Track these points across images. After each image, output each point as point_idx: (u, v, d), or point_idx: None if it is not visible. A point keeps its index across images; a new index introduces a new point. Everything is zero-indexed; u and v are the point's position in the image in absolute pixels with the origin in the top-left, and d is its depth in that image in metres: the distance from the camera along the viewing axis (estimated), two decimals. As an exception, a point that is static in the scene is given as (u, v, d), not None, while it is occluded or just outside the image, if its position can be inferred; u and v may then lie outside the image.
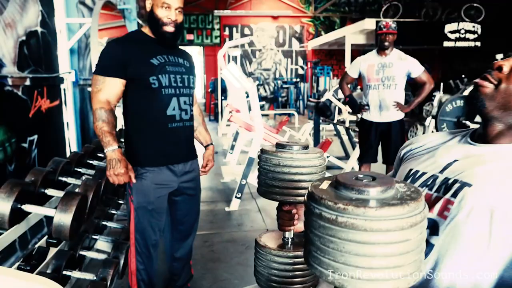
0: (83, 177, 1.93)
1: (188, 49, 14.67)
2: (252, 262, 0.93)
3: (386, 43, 2.95)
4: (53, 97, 3.24)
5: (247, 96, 4.60)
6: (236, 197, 3.46)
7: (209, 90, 12.38)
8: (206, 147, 1.95)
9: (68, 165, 1.74)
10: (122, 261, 1.78)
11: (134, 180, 1.61)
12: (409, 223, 0.52)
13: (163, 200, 1.71)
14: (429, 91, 2.99)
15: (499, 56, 2.93)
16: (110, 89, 1.58)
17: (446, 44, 9.47)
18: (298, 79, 13.41)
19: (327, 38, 12.16)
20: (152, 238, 1.72)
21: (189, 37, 13.33)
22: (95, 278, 1.55)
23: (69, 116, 3.49)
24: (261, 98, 13.23)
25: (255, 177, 3.48)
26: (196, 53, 14.84)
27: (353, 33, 10.16)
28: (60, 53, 3.38)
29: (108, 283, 1.56)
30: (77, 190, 1.64)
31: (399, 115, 3.05)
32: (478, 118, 3.24)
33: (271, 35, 14.03)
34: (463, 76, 9.20)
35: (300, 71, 14.17)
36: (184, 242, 1.92)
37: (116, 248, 1.80)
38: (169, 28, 1.62)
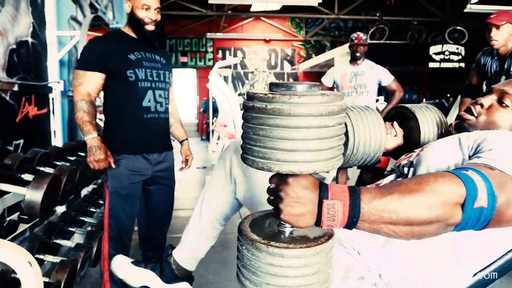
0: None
1: (181, 71, 15.00)
2: (229, 260, 1.01)
3: (358, 54, 3.14)
4: (41, 105, 3.36)
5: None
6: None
7: (201, 110, 12.56)
8: (181, 142, 2.07)
9: (46, 156, 1.84)
10: (95, 249, 1.85)
11: (113, 166, 1.72)
12: (328, 110, 0.61)
13: (136, 187, 1.81)
14: (399, 99, 3.15)
15: (484, 87, 3.16)
16: (90, 82, 1.72)
17: (432, 65, 9.77)
18: (290, 100, 13.63)
19: (317, 60, 12.48)
20: (125, 223, 1.80)
21: (183, 59, 13.64)
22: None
23: (56, 124, 3.60)
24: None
25: None
26: (190, 75, 15.13)
27: (342, 55, 10.45)
28: (49, 64, 3.53)
29: (79, 266, 1.63)
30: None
31: (372, 121, 3.19)
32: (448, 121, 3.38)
33: (263, 58, 14.38)
34: (448, 95, 9.46)
35: (292, 93, 14.43)
36: (158, 231, 2.00)
37: (89, 236, 1.88)
38: (150, 27, 1.78)
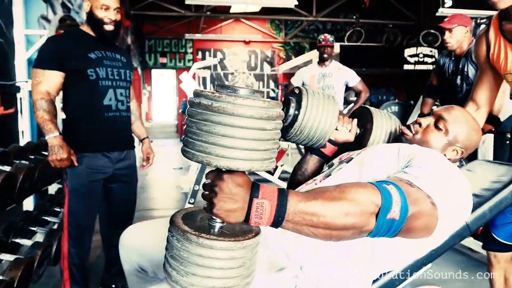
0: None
1: (161, 72, 14.89)
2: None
3: (325, 55, 3.21)
4: (8, 104, 3.31)
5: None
6: (189, 202, 3.55)
7: (180, 111, 12.50)
8: (142, 140, 2.09)
9: (4, 155, 1.83)
10: (55, 248, 1.85)
11: (76, 164, 1.72)
12: (267, 114, 0.67)
13: (96, 185, 1.82)
14: (365, 99, 3.24)
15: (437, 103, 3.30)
16: (49, 81, 1.71)
17: (406, 67, 9.99)
18: (270, 101, 13.72)
19: (296, 61, 12.60)
20: (85, 222, 1.81)
21: (162, 60, 13.56)
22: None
23: (24, 124, 3.54)
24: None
25: None
26: (170, 76, 15.03)
27: (320, 57, 10.59)
28: (17, 63, 3.48)
29: (36, 264, 1.63)
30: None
31: (340, 121, 3.28)
32: (410, 122, 3.49)
33: (243, 59, 14.42)
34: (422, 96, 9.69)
35: (272, 94, 14.53)
36: (120, 230, 2.00)
37: (50, 235, 1.88)
38: (109, 27, 1.78)
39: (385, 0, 10.20)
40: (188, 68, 13.23)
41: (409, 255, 0.97)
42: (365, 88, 3.24)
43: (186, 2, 7.22)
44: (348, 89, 3.31)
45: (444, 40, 2.56)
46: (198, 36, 12.96)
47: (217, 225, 0.73)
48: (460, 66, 2.55)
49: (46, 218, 2.18)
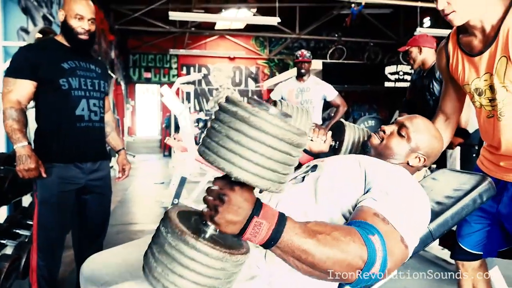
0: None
1: (146, 87, 14.88)
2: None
3: (303, 70, 3.28)
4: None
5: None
6: (168, 216, 3.52)
7: (164, 126, 12.46)
8: (118, 152, 2.07)
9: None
10: (23, 260, 1.80)
11: (44, 175, 1.69)
12: (297, 142, 0.68)
13: (68, 196, 1.79)
14: (343, 113, 3.30)
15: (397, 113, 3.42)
16: (20, 90, 1.70)
17: (387, 84, 10.23)
18: (254, 117, 13.81)
19: (280, 78, 12.74)
20: (55, 234, 1.77)
21: (147, 75, 13.56)
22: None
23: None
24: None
25: (193, 198, 3.52)
26: (155, 91, 15.01)
27: (303, 73, 10.77)
28: (-6, 75, 3.44)
29: (2, 277, 1.58)
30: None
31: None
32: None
33: (227, 75, 14.53)
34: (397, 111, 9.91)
35: (256, 110, 14.62)
36: (94, 243, 1.97)
37: (19, 248, 1.83)
38: (83, 37, 1.78)
39: (366, 19, 10.49)
40: (172, 83, 13.28)
41: None
42: (343, 102, 3.30)
43: (170, 18, 7.27)
44: (326, 103, 3.37)
45: (408, 59, 2.70)
46: (182, 51, 13.04)
47: (209, 231, 0.73)
48: (427, 83, 2.65)
49: (17, 231, 2.13)
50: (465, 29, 1.24)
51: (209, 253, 0.69)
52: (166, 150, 12.00)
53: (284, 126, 0.66)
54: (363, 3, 7.81)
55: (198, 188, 4.01)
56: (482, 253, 1.44)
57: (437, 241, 2.56)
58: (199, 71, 13.98)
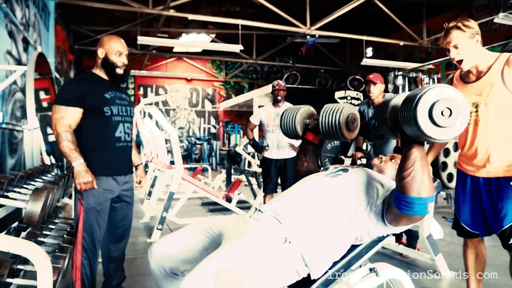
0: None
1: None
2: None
3: (279, 97, 3.83)
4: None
5: (166, 142, 5.09)
6: (157, 228, 3.82)
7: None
8: (137, 166, 2.44)
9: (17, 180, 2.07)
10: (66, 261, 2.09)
11: (96, 187, 2.02)
12: None
13: (107, 204, 2.13)
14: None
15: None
16: (71, 116, 2.02)
17: (337, 108, 11.16)
18: (211, 137, 14.20)
19: (237, 100, 13.34)
20: (98, 235, 2.09)
21: (103, 94, 13.45)
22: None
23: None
24: (175, 154, 13.59)
25: (175, 213, 3.87)
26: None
27: (260, 96, 11.42)
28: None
29: (61, 273, 1.87)
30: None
31: (293, 153, 3.84)
32: (349, 153, 4.21)
33: (185, 96, 14.87)
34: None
35: (213, 130, 15.04)
36: (119, 244, 2.30)
37: (61, 250, 2.11)
38: (120, 71, 2.16)
39: (317, 48, 11.43)
40: (132, 104, 13.31)
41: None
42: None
43: (138, 42, 7.59)
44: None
45: (369, 90, 3.28)
46: (142, 72, 13.21)
47: None
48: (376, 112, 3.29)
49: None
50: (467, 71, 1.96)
51: None
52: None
53: None
54: (317, 36, 8.66)
55: (179, 204, 4.32)
56: (478, 232, 2.01)
57: (393, 238, 3.17)
58: (157, 91, 14.19)
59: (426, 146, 2.13)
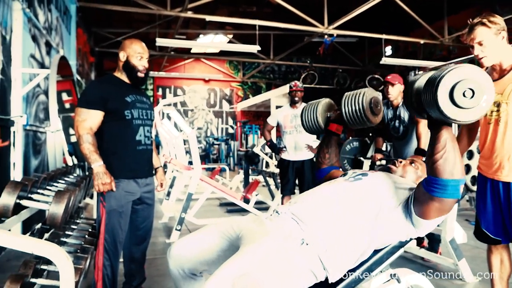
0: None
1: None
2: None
3: (296, 98, 3.81)
4: (3, 138, 3.49)
5: (184, 143, 5.13)
6: (176, 229, 3.85)
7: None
8: (156, 169, 2.46)
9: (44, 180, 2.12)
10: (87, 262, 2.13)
11: (114, 189, 2.04)
12: None
13: (129, 206, 2.15)
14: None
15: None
16: (93, 119, 2.05)
17: (355, 107, 11.05)
18: (229, 137, 14.26)
19: (254, 100, 13.36)
20: (120, 237, 2.12)
21: (123, 95, 13.68)
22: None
23: (16, 157, 3.71)
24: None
25: (193, 213, 3.89)
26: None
27: (277, 96, 11.41)
28: (13, 99, 3.70)
29: (83, 273, 1.91)
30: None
31: (310, 155, 3.82)
32: (369, 155, 4.15)
33: (202, 97, 14.97)
34: (370, 134, 10.71)
35: (230, 130, 15.09)
36: (141, 245, 2.32)
37: (82, 251, 2.15)
38: (141, 74, 2.18)
39: (335, 47, 11.34)
40: (149, 104, 13.50)
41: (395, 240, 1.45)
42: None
43: (157, 44, 7.68)
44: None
45: (387, 91, 3.23)
46: (160, 73, 13.38)
47: None
48: (398, 113, 3.23)
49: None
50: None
51: None
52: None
53: None
54: (335, 35, 8.58)
55: (198, 204, 4.35)
56: (500, 239, 1.95)
57: (415, 241, 3.10)
58: (175, 92, 14.34)
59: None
